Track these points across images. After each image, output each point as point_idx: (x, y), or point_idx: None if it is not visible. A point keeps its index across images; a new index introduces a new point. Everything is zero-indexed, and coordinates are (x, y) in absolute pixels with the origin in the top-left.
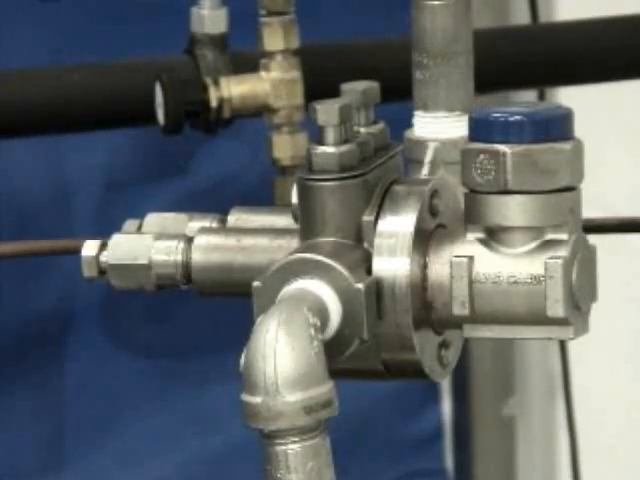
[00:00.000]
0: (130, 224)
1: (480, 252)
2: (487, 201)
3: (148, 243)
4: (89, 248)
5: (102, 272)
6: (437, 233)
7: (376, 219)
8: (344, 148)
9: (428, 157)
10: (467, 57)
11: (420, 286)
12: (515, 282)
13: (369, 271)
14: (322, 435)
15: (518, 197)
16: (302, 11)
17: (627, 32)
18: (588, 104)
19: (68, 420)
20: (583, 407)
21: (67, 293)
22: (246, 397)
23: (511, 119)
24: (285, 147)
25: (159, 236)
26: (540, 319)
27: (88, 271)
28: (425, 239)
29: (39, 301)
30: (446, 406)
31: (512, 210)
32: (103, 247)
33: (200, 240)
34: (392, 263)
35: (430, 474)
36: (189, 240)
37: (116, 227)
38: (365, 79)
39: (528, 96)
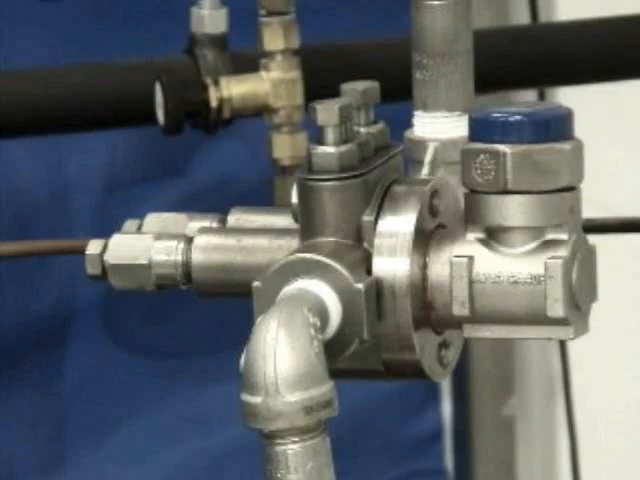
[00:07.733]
0: (130, 224)
1: (480, 252)
2: (487, 201)
3: (148, 243)
4: (93, 246)
5: (105, 271)
6: (437, 233)
7: (376, 219)
8: (344, 148)
9: (428, 157)
10: (467, 57)
11: (420, 286)
12: (515, 282)
13: (369, 271)
14: (322, 435)
15: (518, 197)
16: (302, 11)
17: (627, 32)
18: (588, 104)
19: (68, 420)
20: (583, 407)
21: (67, 293)
22: (246, 397)
23: (511, 119)
24: (285, 147)
25: (159, 236)
26: (540, 319)
27: (92, 269)
28: (425, 239)
29: (39, 301)
30: (446, 406)
31: (512, 210)
32: (107, 246)
33: (200, 240)
34: (392, 263)
35: (430, 474)
36: (189, 240)
37: (116, 227)
38: (365, 79)
39: (528, 96)
